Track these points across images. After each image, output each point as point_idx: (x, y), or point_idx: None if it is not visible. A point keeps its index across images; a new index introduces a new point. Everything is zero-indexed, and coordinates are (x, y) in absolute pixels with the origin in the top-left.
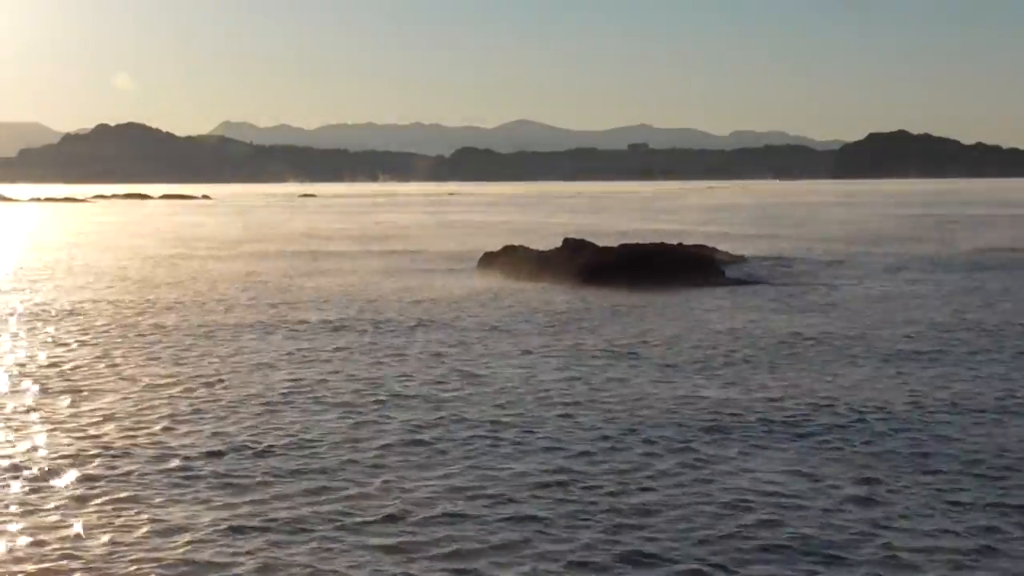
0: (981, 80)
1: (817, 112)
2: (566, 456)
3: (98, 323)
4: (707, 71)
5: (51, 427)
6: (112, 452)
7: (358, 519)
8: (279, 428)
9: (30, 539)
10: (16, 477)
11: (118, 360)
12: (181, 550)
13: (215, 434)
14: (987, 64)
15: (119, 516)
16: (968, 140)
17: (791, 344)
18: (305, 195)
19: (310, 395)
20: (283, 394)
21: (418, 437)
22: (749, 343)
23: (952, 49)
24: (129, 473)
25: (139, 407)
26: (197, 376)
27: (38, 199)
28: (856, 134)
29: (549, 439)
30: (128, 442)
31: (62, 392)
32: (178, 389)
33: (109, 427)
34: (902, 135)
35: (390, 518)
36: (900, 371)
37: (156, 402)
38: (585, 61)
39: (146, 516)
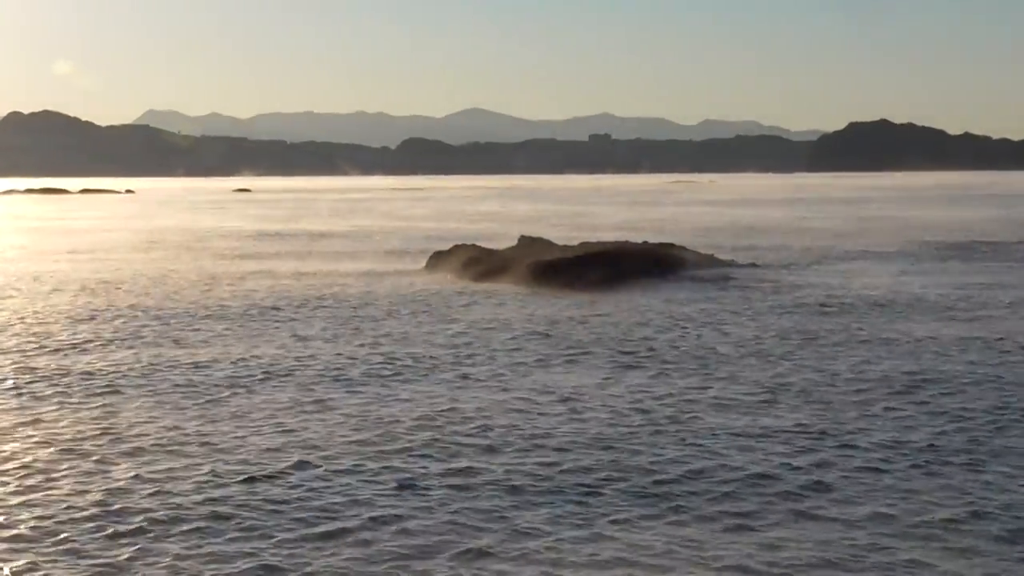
0: (968, 67)
1: (793, 100)
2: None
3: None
4: (675, 56)
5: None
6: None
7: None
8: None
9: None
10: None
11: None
12: None
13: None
14: (974, 50)
15: None
16: (955, 130)
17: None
18: (240, 190)
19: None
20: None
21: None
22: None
23: (937, 34)
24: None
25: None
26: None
27: None
28: (835, 124)
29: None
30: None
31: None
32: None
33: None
34: (884, 125)
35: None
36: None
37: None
38: (543, 45)
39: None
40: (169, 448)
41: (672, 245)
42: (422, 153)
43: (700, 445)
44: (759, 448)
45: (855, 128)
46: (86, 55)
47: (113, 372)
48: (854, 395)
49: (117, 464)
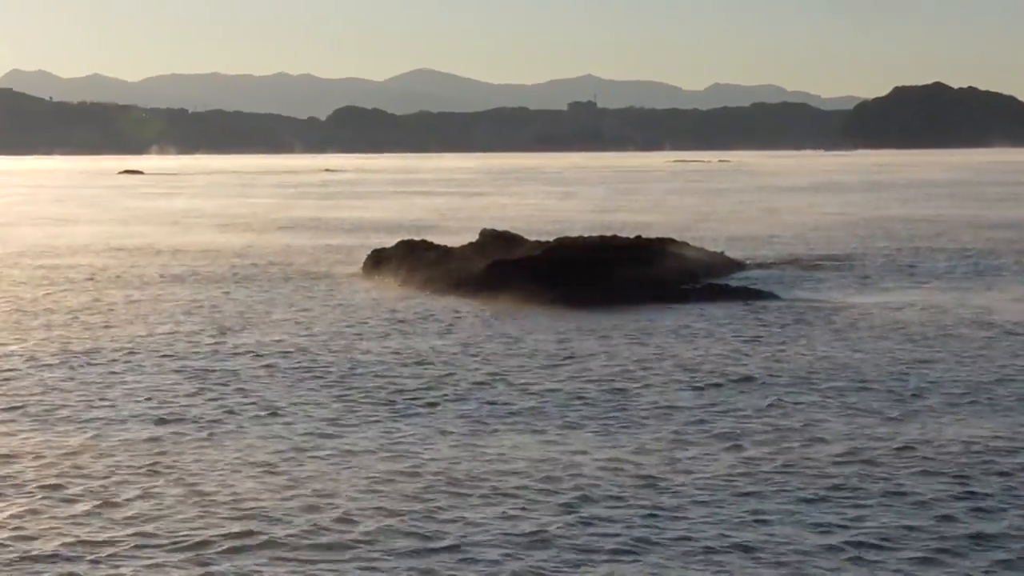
0: None
1: (823, 60)
2: None
3: None
4: (677, 7)
5: None
6: None
7: None
8: None
9: None
10: None
11: None
12: None
13: None
14: None
15: None
16: None
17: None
18: (129, 171)
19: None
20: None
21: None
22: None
23: None
24: None
25: None
26: None
27: None
28: (876, 89)
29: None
30: None
31: None
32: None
33: None
34: (938, 90)
35: None
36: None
37: None
38: None
39: None
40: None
41: (671, 240)
42: (359, 124)
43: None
44: None
45: (901, 94)
46: None
47: None
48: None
49: None
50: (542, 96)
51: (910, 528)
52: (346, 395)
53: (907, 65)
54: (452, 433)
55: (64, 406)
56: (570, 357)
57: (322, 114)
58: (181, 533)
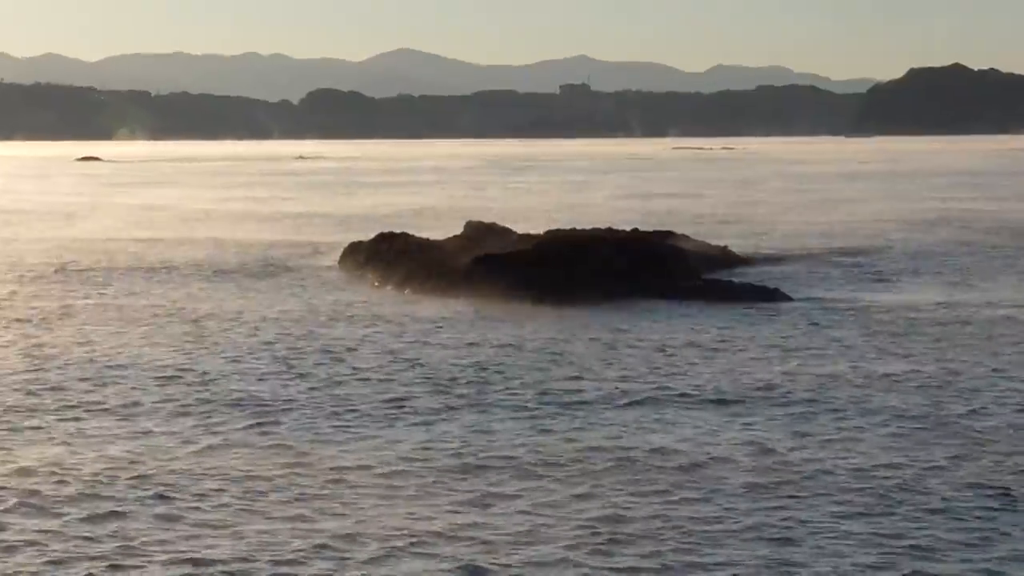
0: None
1: (833, 40)
2: None
3: None
4: None
5: None
6: None
7: None
8: None
9: None
10: None
11: None
12: None
13: None
14: None
15: None
16: None
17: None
18: (86, 158)
19: None
20: None
21: None
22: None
23: None
24: None
25: None
26: None
27: None
28: (890, 71)
29: None
30: None
31: None
32: None
33: None
34: (957, 72)
35: None
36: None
37: None
38: None
39: None
40: None
41: (670, 233)
42: (335, 108)
43: None
44: None
45: (917, 76)
46: None
47: None
48: None
49: None
50: (532, 78)
51: (953, 547)
52: (326, 400)
53: (923, 45)
54: (445, 437)
55: (33, 411)
56: (562, 358)
57: (295, 97)
58: (152, 550)
